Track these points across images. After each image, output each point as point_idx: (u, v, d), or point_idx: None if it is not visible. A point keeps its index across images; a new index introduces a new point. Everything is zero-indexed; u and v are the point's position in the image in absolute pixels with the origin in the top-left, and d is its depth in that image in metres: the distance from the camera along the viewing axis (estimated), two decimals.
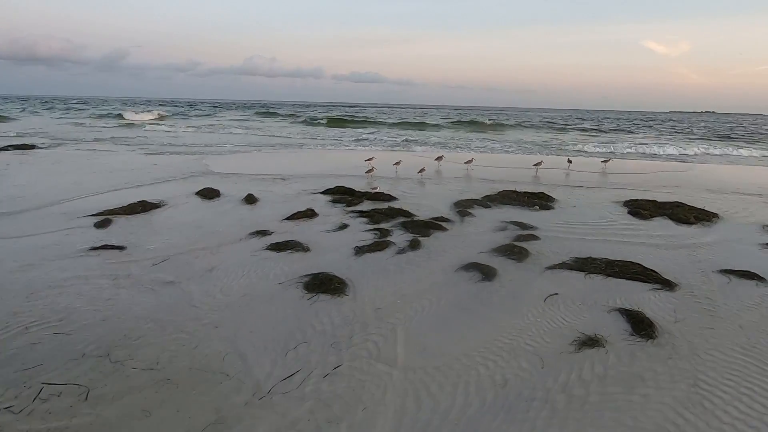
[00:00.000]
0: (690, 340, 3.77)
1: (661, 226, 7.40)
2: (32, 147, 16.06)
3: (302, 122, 39.59)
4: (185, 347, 3.50)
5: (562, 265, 5.37)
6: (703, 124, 58.30)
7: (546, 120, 56.07)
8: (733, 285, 4.95)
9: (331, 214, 7.68)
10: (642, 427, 2.78)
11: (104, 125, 30.04)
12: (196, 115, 46.43)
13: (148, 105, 69.84)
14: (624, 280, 5.00)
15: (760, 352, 3.62)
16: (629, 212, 8.18)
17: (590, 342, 3.70)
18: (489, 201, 8.77)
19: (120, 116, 38.68)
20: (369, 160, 12.41)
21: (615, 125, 49.06)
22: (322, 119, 41.51)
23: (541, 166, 13.19)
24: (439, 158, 14.24)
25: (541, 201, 8.81)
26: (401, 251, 5.79)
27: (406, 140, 24.63)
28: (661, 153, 21.32)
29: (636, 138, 32.62)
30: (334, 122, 39.61)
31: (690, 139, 33.08)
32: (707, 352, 3.59)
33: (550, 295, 4.57)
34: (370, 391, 3.05)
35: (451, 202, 8.70)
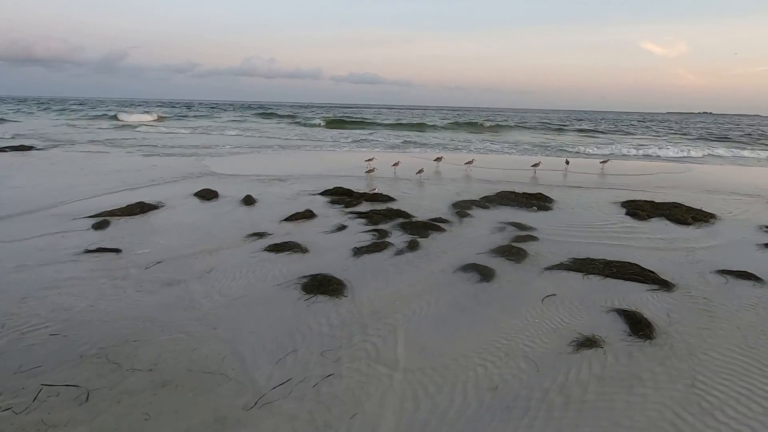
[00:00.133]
0: (688, 341, 3.78)
1: (659, 226, 7.42)
2: (30, 148, 16.01)
3: (300, 123, 39.56)
4: (184, 349, 3.50)
5: (561, 266, 5.38)
6: (700, 125, 58.53)
7: (544, 121, 56.18)
8: (731, 285, 4.96)
9: (330, 215, 7.68)
10: (640, 427, 2.79)
11: (99, 127, 29.65)
12: (193, 116, 46.34)
13: (146, 106, 69.63)
14: (622, 280, 5.01)
15: (757, 352, 3.63)
16: (627, 213, 8.20)
17: (588, 343, 3.71)
18: (487, 202, 8.79)
19: (116, 117, 38.32)
20: (369, 160, 12.45)
21: (613, 126, 49.18)
22: (320, 120, 41.51)
23: (539, 167, 13.22)
24: (438, 159, 14.26)
25: (539, 202, 8.83)
26: (400, 252, 5.79)
27: (405, 142, 24.65)
28: (660, 154, 21.37)
29: (634, 139, 32.72)
30: (333, 123, 39.61)
31: (688, 139, 33.21)
32: (705, 353, 3.61)
33: (547, 296, 4.58)
34: (369, 393, 3.05)
35: (449, 202, 8.71)
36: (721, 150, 23.34)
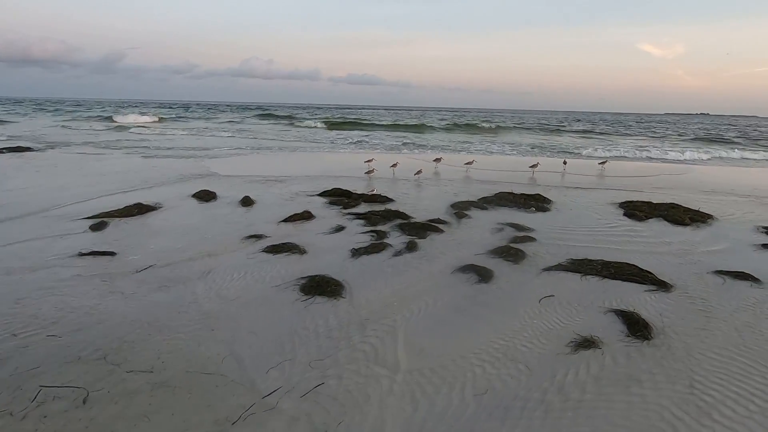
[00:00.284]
0: (685, 341, 3.79)
1: (657, 227, 7.44)
2: (27, 149, 15.98)
3: (299, 124, 39.54)
4: (182, 350, 3.49)
5: (558, 267, 5.39)
6: (698, 126, 58.70)
7: (543, 122, 56.31)
8: (728, 286, 4.98)
9: (328, 216, 7.68)
10: (637, 428, 2.79)
11: (96, 129, 29.37)
12: (191, 118, 46.24)
13: (144, 107, 69.52)
14: (620, 281, 5.02)
15: (754, 352, 3.64)
16: (625, 214, 8.22)
17: (586, 343, 3.71)
18: (485, 203, 8.80)
19: (113, 119, 37.99)
20: (369, 161, 12.48)
21: (611, 127, 49.30)
22: (318, 122, 41.50)
23: (537, 168, 13.24)
24: (437, 160, 14.29)
25: (537, 203, 8.84)
26: (398, 253, 5.79)
27: (404, 143, 24.65)
28: (658, 155, 21.42)
29: (632, 140, 32.80)
30: (331, 124, 39.59)
31: (686, 140, 33.31)
32: (702, 353, 3.61)
33: (545, 297, 4.58)
34: (367, 394, 3.05)
35: (447, 203, 8.71)
36: (720, 151, 23.39)
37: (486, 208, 8.43)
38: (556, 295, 4.65)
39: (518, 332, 3.90)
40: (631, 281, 5.01)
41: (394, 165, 12.54)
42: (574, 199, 9.61)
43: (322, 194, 9.33)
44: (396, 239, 6.38)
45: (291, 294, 4.56)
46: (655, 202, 8.92)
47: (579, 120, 67.83)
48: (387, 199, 8.91)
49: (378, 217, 7.45)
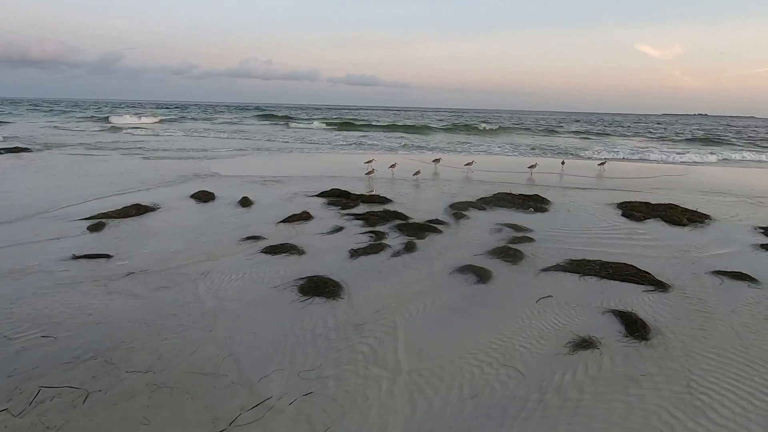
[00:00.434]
0: (683, 341, 3.80)
1: (655, 227, 7.45)
2: (26, 150, 15.95)
3: (297, 125, 39.53)
4: (180, 351, 3.48)
5: (557, 267, 5.40)
6: (696, 127, 58.85)
7: (541, 122, 56.41)
8: (726, 286, 4.99)
9: (327, 216, 7.68)
10: (635, 427, 2.79)
11: (93, 130, 29.23)
12: (190, 118, 46.17)
13: (142, 107, 69.42)
14: (618, 281, 5.03)
15: (752, 352, 3.65)
16: (623, 214, 8.23)
17: (584, 344, 3.72)
18: (484, 203, 8.81)
19: (112, 120, 37.68)
20: (369, 162, 12.50)
21: (610, 128, 49.42)
22: (317, 122, 41.49)
23: (535, 169, 13.26)
24: (436, 160, 14.30)
25: (535, 203, 8.85)
26: (396, 254, 5.79)
27: (403, 144, 24.67)
28: (658, 156, 21.46)
29: (632, 141, 32.87)
30: (330, 125, 39.59)
31: (685, 141, 33.38)
32: (700, 353, 3.62)
33: (543, 297, 4.59)
34: (366, 394, 3.05)
35: (446, 204, 8.72)
36: (718, 152, 23.44)
37: (484, 209, 8.44)
38: (555, 295, 4.66)
39: (516, 333, 3.91)
40: (629, 281, 5.02)
41: (393, 166, 12.55)
42: (573, 199, 9.62)
43: (321, 195, 9.33)
44: (394, 240, 6.38)
45: (289, 295, 4.56)
46: (653, 202, 8.94)
47: (578, 121, 68.01)
48: (386, 200, 8.92)
49: (377, 218, 7.45)
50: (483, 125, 42.92)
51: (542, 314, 4.25)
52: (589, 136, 36.44)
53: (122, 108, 63.87)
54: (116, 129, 30.26)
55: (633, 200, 9.26)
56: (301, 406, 2.91)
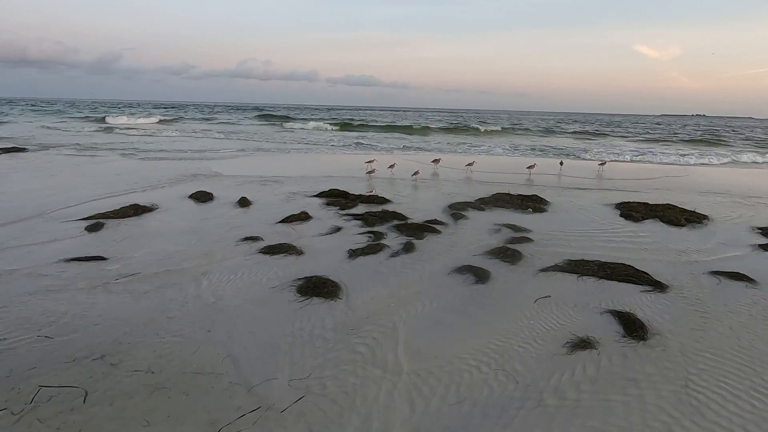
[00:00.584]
0: (681, 341, 3.80)
1: (653, 228, 7.47)
2: (22, 150, 15.91)
3: (295, 125, 39.49)
4: (178, 351, 3.48)
5: (555, 268, 5.40)
6: (694, 127, 58.97)
7: (540, 123, 56.46)
8: (723, 286, 5.00)
9: (325, 217, 7.68)
10: (633, 427, 2.80)
11: (91, 130, 29.00)
12: (188, 119, 46.05)
13: (140, 108, 69.25)
14: (616, 282, 5.04)
15: (749, 352, 3.66)
16: (621, 214, 8.24)
17: (582, 344, 3.72)
18: (483, 204, 8.81)
19: (110, 120, 37.41)
20: (370, 162, 12.52)
21: (609, 128, 49.50)
22: (316, 122, 41.46)
23: (534, 169, 13.27)
24: (435, 161, 14.31)
25: (534, 203, 8.86)
26: (395, 254, 5.79)
27: (402, 144, 24.67)
28: (655, 156, 21.48)
29: (632, 141, 32.93)
30: (329, 125, 39.56)
31: (683, 141, 33.45)
32: (698, 353, 3.63)
33: (542, 297, 4.59)
34: (364, 394, 3.05)
35: (445, 204, 8.72)
36: (715, 152, 23.46)
37: (483, 209, 8.44)
38: (553, 295, 4.66)
39: (515, 333, 3.91)
40: (627, 282, 5.02)
41: (392, 166, 12.56)
42: (571, 200, 9.63)
43: (320, 195, 9.32)
44: (393, 240, 6.38)
45: (288, 295, 4.55)
46: (651, 203, 8.95)
47: (577, 121, 68.12)
48: (384, 200, 8.92)
49: (375, 218, 7.45)
50: (482, 126, 42.92)
51: (541, 314, 4.25)
52: (587, 137, 36.50)
53: (120, 108, 63.61)
54: (114, 129, 30.02)
55: (631, 201, 9.28)
56: (299, 406, 2.91)
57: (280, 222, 7.21)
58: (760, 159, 21.29)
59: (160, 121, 39.38)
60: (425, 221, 7.35)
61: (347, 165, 14.55)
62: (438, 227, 7.05)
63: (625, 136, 38.12)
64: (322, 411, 2.88)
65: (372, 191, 9.42)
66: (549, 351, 3.63)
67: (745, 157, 21.78)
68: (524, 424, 2.82)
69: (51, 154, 15.41)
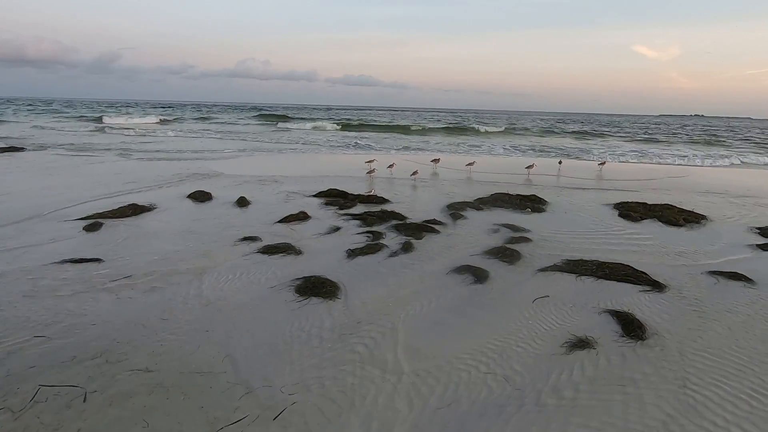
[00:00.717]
0: (679, 341, 3.81)
1: (651, 228, 7.48)
2: (20, 149, 15.88)
3: (294, 125, 39.46)
4: (176, 351, 3.47)
5: (554, 268, 5.40)
6: (693, 127, 59.05)
7: (539, 123, 56.51)
8: (721, 286, 5.01)
9: (324, 216, 7.67)
10: (631, 427, 2.80)
11: (90, 129, 28.87)
12: (187, 119, 45.96)
13: (139, 108, 69.10)
14: (614, 281, 5.04)
15: (747, 352, 3.67)
16: (619, 214, 8.25)
17: (581, 344, 3.72)
18: (481, 203, 8.81)
19: (109, 120, 37.19)
20: (370, 161, 12.54)
21: (608, 128, 49.54)
22: (315, 122, 41.43)
23: (533, 169, 13.28)
24: (435, 161, 14.32)
25: (533, 203, 8.87)
26: (394, 254, 5.79)
27: (402, 144, 24.67)
28: (655, 156, 21.50)
29: (631, 141, 32.96)
30: (327, 125, 39.54)
31: (682, 142, 33.51)
32: (696, 353, 3.63)
33: (540, 297, 4.59)
34: (362, 394, 3.05)
35: (443, 204, 8.72)
36: (715, 153, 23.49)
37: (482, 209, 8.45)
38: (551, 295, 4.66)
39: (513, 333, 3.91)
40: (625, 282, 5.03)
41: (391, 166, 12.57)
42: (570, 199, 9.64)
43: (318, 195, 9.32)
44: (392, 240, 6.38)
45: (286, 295, 4.55)
46: (649, 203, 8.96)
47: (576, 121, 68.20)
48: (383, 200, 8.91)
49: (374, 218, 7.45)
50: (480, 126, 42.91)
51: (539, 314, 4.25)
52: (587, 137, 36.53)
53: (119, 108, 63.39)
54: (112, 129, 29.86)
55: (630, 201, 9.28)
56: (298, 406, 2.91)
57: (278, 222, 7.21)
58: (759, 159, 21.32)
59: (161, 121, 39.22)
60: (424, 221, 7.35)
61: (346, 165, 14.55)
62: (437, 227, 7.05)
63: (624, 136, 38.15)
64: (320, 411, 2.88)
65: (371, 191, 9.42)
66: (547, 351, 3.64)
67: (745, 158, 21.81)
68: (522, 423, 2.82)
69: (49, 154, 15.39)
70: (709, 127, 61.00)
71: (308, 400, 2.97)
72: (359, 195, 9.19)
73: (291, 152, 18.86)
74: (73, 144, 19.22)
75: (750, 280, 5.15)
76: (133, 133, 26.56)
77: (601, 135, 39.16)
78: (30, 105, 66.78)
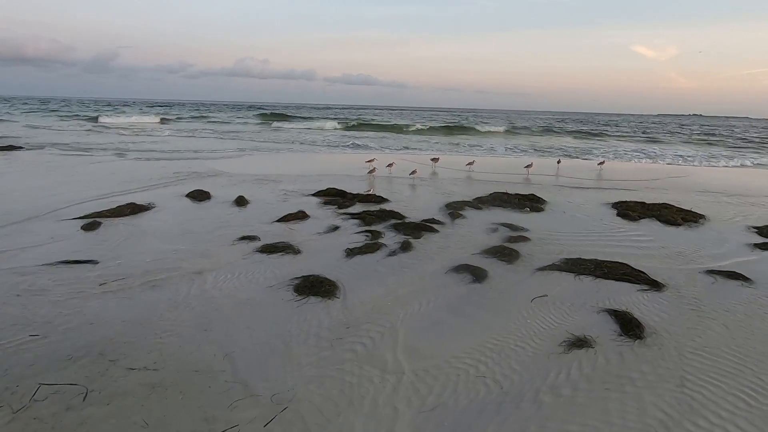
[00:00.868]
0: (677, 340, 3.82)
1: (650, 227, 7.49)
2: (18, 148, 15.84)
3: (293, 124, 39.42)
4: (174, 351, 3.47)
5: (552, 267, 5.41)
6: (692, 127, 59.12)
7: (538, 123, 56.53)
8: (719, 285, 5.02)
9: (323, 216, 7.67)
10: (629, 425, 2.81)
11: (88, 129, 28.79)
12: (185, 118, 45.84)
13: (137, 106, 68.95)
14: (613, 281, 5.05)
15: (745, 351, 3.67)
16: (618, 214, 8.26)
17: (579, 343, 3.73)
18: (480, 203, 8.82)
19: (107, 119, 37.05)
20: (370, 161, 12.55)
21: (607, 128, 49.58)
22: (314, 121, 41.40)
23: (532, 168, 13.29)
24: (434, 159, 14.32)
25: (531, 203, 8.87)
26: (392, 253, 5.79)
27: (401, 144, 24.66)
28: (654, 156, 21.53)
29: (629, 142, 32.99)
30: (326, 124, 39.48)
31: (681, 142, 33.55)
32: (694, 352, 3.64)
33: (538, 297, 4.60)
34: (361, 393, 3.05)
35: (442, 203, 8.73)
36: (714, 152, 23.50)
37: (480, 208, 8.45)
38: (550, 294, 4.67)
39: (512, 332, 3.91)
40: (624, 281, 5.04)
41: (390, 165, 12.57)
42: (569, 199, 9.65)
43: (317, 194, 9.31)
44: (390, 239, 6.38)
45: (285, 294, 4.55)
46: (648, 202, 8.98)
47: (575, 121, 68.25)
48: (382, 199, 8.91)
49: (373, 217, 7.45)
50: (479, 125, 42.88)
51: (537, 313, 4.26)
52: (586, 137, 36.56)
53: (117, 107, 63.17)
54: (110, 128, 29.80)
55: (628, 200, 9.30)
56: (296, 405, 2.91)
57: (277, 221, 7.20)
58: (758, 160, 21.35)
59: (161, 121, 39.05)
60: (423, 220, 7.35)
61: (345, 164, 14.55)
62: (435, 226, 7.06)
63: (623, 136, 38.20)
64: (319, 410, 2.88)
65: (370, 190, 9.42)
66: (546, 350, 3.64)
67: (745, 158, 21.83)
68: (520, 422, 2.82)
69: (46, 153, 15.35)
70: (707, 127, 61.06)
71: (307, 400, 2.97)
72: (358, 194, 9.18)
73: (289, 151, 18.84)
74: (77, 143, 19.20)
75: (748, 279, 5.16)
76: (133, 132, 26.52)
77: (600, 135, 39.19)
78: (25, 104, 66.48)
